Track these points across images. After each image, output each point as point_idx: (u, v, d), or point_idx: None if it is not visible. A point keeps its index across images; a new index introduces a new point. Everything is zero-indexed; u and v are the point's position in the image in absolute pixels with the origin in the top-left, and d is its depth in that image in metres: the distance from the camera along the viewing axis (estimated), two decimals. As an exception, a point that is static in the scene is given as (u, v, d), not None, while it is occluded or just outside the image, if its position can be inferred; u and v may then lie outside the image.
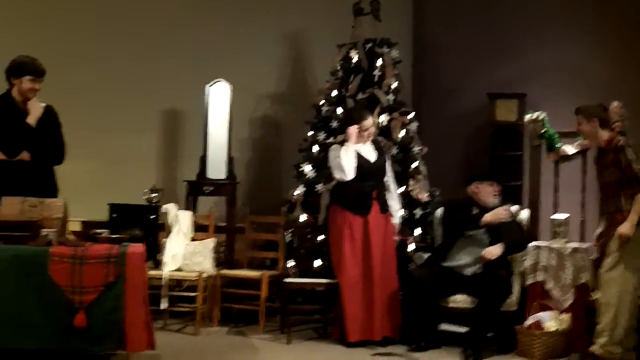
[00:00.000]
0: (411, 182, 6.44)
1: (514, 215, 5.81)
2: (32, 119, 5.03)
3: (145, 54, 7.19)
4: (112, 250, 4.24)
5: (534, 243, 5.61)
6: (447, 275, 5.64)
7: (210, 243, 6.22)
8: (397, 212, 5.98)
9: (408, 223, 6.32)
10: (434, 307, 5.58)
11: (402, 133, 6.54)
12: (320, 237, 6.24)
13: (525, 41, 7.44)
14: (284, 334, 5.84)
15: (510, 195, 6.19)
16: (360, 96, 6.57)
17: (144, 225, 6.06)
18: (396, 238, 5.97)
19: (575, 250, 5.47)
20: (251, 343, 5.72)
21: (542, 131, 5.68)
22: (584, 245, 5.57)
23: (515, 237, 5.69)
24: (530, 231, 5.83)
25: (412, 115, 6.65)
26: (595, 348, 4.97)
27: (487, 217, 5.69)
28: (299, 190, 6.53)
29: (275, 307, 6.33)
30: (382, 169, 5.89)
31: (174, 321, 6.19)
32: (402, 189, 6.37)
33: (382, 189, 5.86)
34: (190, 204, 6.75)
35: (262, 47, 7.44)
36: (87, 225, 6.04)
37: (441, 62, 7.81)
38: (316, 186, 6.46)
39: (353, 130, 5.75)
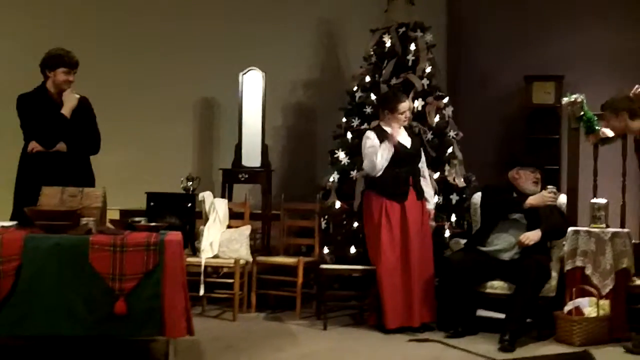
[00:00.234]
0: (447, 168, 6.41)
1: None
2: (66, 110, 5.10)
3: (180, 45, 7.27)
4: (150, 238, 4.26)
5: (572, 228, 5.54)
6: (484, 260, 5.60)
7: (246, 230, 6.25)
8: (432, 198, 5.94)
9: (444, 209, 6.29)
10: (471, 293, 5.54)
11: (437, 118, 6.50)
12: (356, 224, 6.24)
13: (562, 23, 7.35)
14: (320, 320, 5.85)
15: (547, 180, 6.10)
16: (394, 81, 6.53)
17: (181, 213, 6.09)
18: (432, 224, 5.94)
19: (615, 235, 5.39)
20: (288, 329, 5.74)
21: (581, 114, 5.60)
22: (624, 230, 5.49)
23: (555, 222, 5.60)
24: (569, 216, 5.73)
25: (446, 99, 6.61)
26: None
27: (532, 199, 5.58)
28: (333, 177, 6.53)
29: (311, 293, 6.35)
30: (417, 154, 5.85)
31: (212, 307, 6.24)
32: (438, 174, 6.34)
33: (418, 174, 5.81)
34: (225, 192, 6.80)
35: (294, 34, 7.44)
36: (125, 214, 6.11)
37: (476, 45, 7.74)
38: (351, 172, 6.45)
39: (396, 131, 5.68)
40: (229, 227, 6.30)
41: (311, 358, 4.90)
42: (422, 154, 5.94)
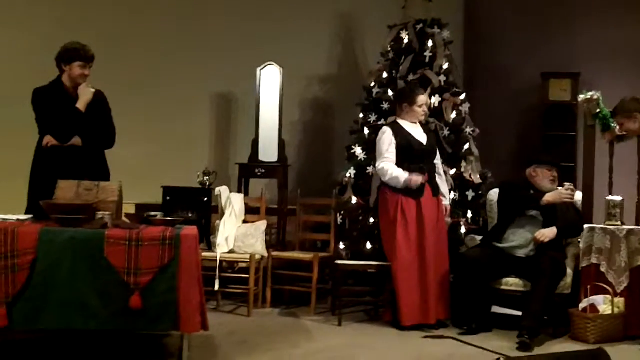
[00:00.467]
0: (463, 164, 6.40)
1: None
2: (81, 104, 5.08)
3: (198, 40, 7.29)
4: (166, 233, 4.27)
5: (588, 225, 5.52)
6: (500, 256, 5.59)
7: (262, 225, 6.26)
8: (448, 194, 5.93)
9: (460, 205, 6.28)
10: (486, 290, 5.53)
11: (454, 114, 6.49)
12: (372, 220, 6.24)
13: (578, 20, 7.31)
14: (335, 315, 5.87)
15: (563, 177, 6.08)
16: (411, 77, 6.53)
17: (196, 208, 6.11)
18: (448, 220, 5.93)
19: (630, 232, 5.37)
20: (303, 324, 5.75)
21: (597, 111, 5.58)
22: (640, 227, 5.47)
23: (571, 220, 5.58)
24: (584, 213, 5.71)
25: (463, 96, 6.60)
26: None
27: (549, 196, 5.57)
28: (349, 173, 6.54)
29: (326, 289, 6.36)
30: (433, 151, 5.84)
31: (227, 302, 6.27)
32: (454, 170, 6.33)
33: (433, 171, 5.81)
34: (242, 187, 6.82)
35: (312, 29, 7.44)
36: (140, 208, 6.16)
37: (493, 42, 7.70)
38: (367, 168, 6.45)
39: (418, 179, 5.58)
40: (244, 222, 6.32)
41: (326, 354, 4.90)
42: (437, 150, 5.93)
